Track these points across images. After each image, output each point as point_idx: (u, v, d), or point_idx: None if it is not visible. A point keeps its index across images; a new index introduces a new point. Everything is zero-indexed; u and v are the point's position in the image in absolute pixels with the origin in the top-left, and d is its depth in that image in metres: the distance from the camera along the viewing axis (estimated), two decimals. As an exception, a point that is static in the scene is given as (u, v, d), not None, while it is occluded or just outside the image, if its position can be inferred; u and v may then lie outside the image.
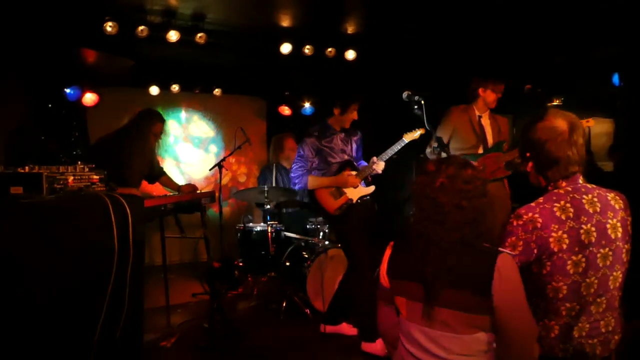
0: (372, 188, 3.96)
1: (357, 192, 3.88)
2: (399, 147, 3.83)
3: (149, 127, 4.20)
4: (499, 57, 5.73)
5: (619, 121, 6.50)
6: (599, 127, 7.02)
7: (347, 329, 3.89)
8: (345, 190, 3.85)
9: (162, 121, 4.33)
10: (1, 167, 2.39)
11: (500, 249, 1.67)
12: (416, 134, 3.85)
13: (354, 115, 3.94)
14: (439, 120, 4.19)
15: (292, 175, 3.91)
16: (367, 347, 3.60)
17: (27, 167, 2.37)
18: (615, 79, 5.63)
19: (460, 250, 1.67)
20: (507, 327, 1.63)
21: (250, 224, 5.28)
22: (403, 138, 3.84)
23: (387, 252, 1.86)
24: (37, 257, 2.17)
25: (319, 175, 3.90)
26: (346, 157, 3.98)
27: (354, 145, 4.11)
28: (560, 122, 1.80)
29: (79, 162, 2.55)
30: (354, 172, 3.91)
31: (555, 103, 6.27)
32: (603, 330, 1.76)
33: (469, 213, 1.68)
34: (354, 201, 3.84)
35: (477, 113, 4.20)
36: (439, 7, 4.54)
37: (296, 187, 4.00)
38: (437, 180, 1.72)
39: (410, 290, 1.73)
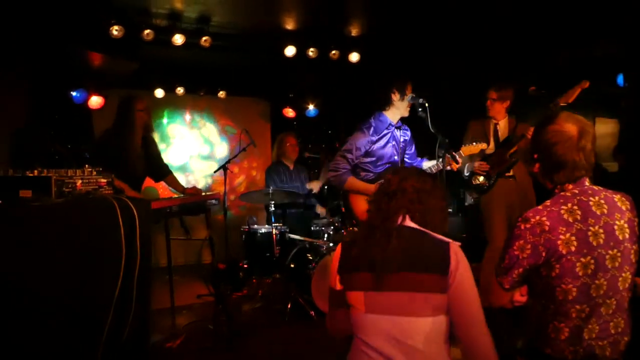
0: None
1: None
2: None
3: (132, 107, 4.16)
4: (503, 57, 5.74)
5: (623, 122, 6.49)
6: (603, 128, 7.00)
7: None
8: None
9: (141, 97, 4.30)
10: (10, 170, 2.41)
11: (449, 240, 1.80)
12: (477, 147, 3.74)
13: None
14: (444, 122, 4.22)
15: (331, 169, 3.64)
16: None
17: (36, 171, 2.40)
18: (620, 79, 5.62)
19: (413, 234, 1.80)
20: (461, 308, 1.72)
21: (255, 225, 5.30)
22: (460, 151, 3.65)
23: (337, 254, 1.92)
24: (45, 260, 2.19)
25: (359, 180, 3.66)
26: (395, 158, 3.74)
27: (406, 141, 3.85)
28: (570, 127, 1.80)
29: (87, 166, 2.57)
30: None
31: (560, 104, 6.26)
32: (612, 331, 1.76)
33: (414, 203, 1.86)
34: None
35: (494, 121, 4.33)
36: (442, 8, 4.56)
37: (329, 179, 3.74)
38: (383, 181, 1.97)
39: (363, 280, 1.78)
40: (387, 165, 3.75)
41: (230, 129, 7.42)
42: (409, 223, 1.84)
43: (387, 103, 3.67)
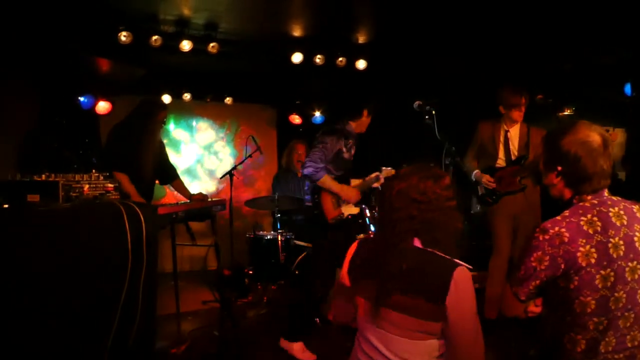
0: (357, 209, 3.96)
1: (348, 208, 3.85)
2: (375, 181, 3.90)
3: (155, 117, 4.21)
4: (510, 65, 5.73)
5: (631, 131, 6.46)
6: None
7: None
8: (342, 202, 3.80)
9: (165, 108, 4.39)
10: (18, 175, 2.43)
11: (457, 261, 1.73)
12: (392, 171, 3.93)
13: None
14: (450, 130, 4.21)
15: (308, 161, 3.64)
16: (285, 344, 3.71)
17: (43, 175, 2.41)
18: (628, 88, 5.60)
19: (417, 257, 1.74)
20: (455, 338, 1.69)
21: (261, 232, 5.29)
22: (382, 172, 3.90)
23: (351, 251, 1.92)
24: (52, 264, 2.20)
25: (331, 179, 3.73)
26: (348, 166, 3.90)
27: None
28: (595, 136, 1.77)
29: (94, 171, 2.58)
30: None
31: (566, 112, 6.25)
32: (629, 344, 1.72)
33: (418, 223, 1.77)
34: (344, 216, 3.80)
35: (505, 127, 4.21)
36: (449, 16, 4.57)
37: (304, 172, 3.69)
38: (397, 185, 1.83)
39: (367, 290, 1.78)
40: (343, 172, 3.84)
41: (237, 135, 7.44)
42: (417, 244, 1.79)
43: (357, 116, 3.86)
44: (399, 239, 1.76)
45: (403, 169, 1.90)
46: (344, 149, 3.77)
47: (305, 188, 3.89)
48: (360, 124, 3.89)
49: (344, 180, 3.84)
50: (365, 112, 3.85)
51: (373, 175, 3.96)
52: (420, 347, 1.71)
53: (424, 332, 1.70)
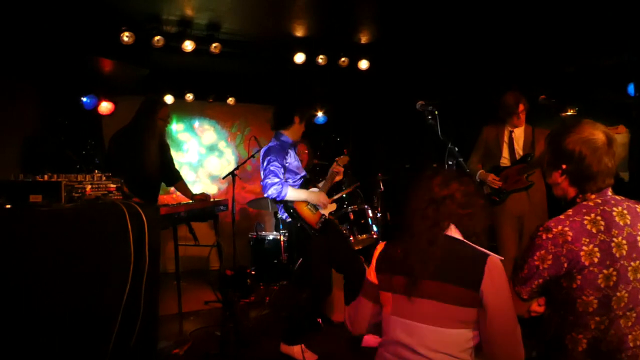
0: (334, 206, 3.95)
1: (328, 207, 3.86)
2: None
3: (154, 114, 4.20)
4: (513, 65, 5.72)
5: (634, 132, 6.44)
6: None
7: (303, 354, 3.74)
8: (318, 205, 3.80)
9: (166, 105, 4.41)
10: (21, 175, 2.43)
11: (488, 251, 1.76)
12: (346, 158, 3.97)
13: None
14: (453, 130, 4.20)
15: (268, 183, 3.60)
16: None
17: (46, 176, 2.41)
18: (631, 89, 5.57)
19: (449, 244, 1.77)
20: (494, 326, 1.68)
21: (263, 232, 5.29)
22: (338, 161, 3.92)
23: (378, 250, 1.94)
24: (54, 265, 2.20)
25: (295, 189, 3.76)
26: (302, 172, 3.91)
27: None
28: (599, 134, 1.77)
29: (97, 171, 2.59)
30: (316, 189, 3.87)
31: (569, 113, 6.23)
32: (631, 344, 1.71)
33: (444, 217, 1.81)
34: (327, 216, 3.82)
35: (509, 128, 4.24)
36: (452, 17, 4.56)
37: (267, 195, 3.67)
38: (428, 185, 1.88)
39: (396, 283, 1.79)
40: (302, 180, 3.84)
41: (239, 135, 7.44)
42: (453, 233, 1.80)
43: (289, 124, 3.85)
44: (441, 220, 1.79)
45: (429, 171, 1.94)
46: (288, 161, 3.78)
47: (279, 208, 3.86)
48: (293, 132, 3.88)
49: (308, 182, 3.87)
50: (296, 119, 3.84)
51: (331, 167, 3.96)
52: (452, 336, 1.70)
53: (458, 320, 1.70)
